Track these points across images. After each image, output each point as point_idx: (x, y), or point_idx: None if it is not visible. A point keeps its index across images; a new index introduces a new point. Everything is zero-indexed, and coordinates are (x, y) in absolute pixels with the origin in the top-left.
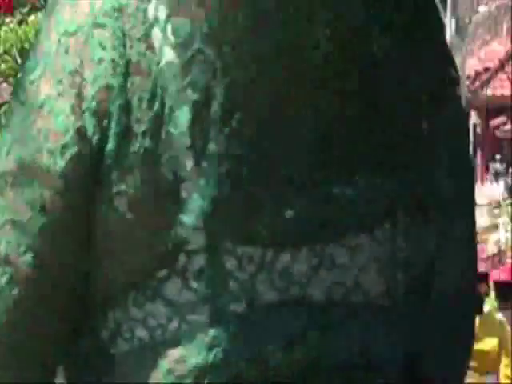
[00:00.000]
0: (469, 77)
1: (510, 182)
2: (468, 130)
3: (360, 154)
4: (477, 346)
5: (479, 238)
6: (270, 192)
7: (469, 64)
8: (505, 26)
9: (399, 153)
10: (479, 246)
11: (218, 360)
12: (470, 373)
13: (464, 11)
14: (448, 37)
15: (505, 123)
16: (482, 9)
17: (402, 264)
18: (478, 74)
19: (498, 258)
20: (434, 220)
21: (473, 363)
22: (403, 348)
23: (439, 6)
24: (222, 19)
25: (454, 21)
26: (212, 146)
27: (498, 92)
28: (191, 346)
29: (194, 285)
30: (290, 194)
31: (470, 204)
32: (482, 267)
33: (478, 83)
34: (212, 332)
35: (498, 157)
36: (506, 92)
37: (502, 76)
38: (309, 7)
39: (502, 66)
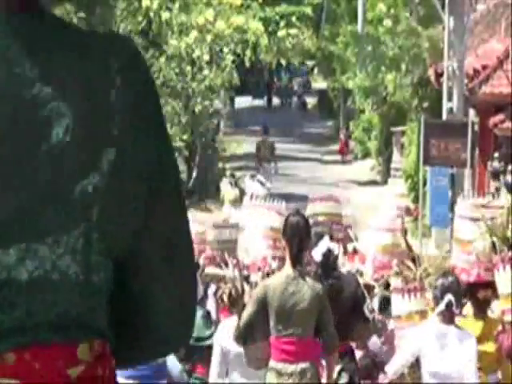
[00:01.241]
0: (467, 75)
1: (509, 180)
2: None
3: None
4: (481, 348)
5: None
6: None
7: (467, 62)
8: (503, 24)
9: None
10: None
11: None
12: None
13: (462, 9)
14: (446, 35)
15: (503, 121)
16: (481, 7)
17: (98, 251)
18: (476, 71)
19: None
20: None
21: (478, 364)
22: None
23: (437, 3)
24: None
25: (452, 19)
26: None
27: (497, 90)
28: None
29: None
30: None
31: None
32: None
33: (476, 81)
34: None
35: (496, 155)
36: (505, 90)
37: (500, 74)
38: None
39: (500, 64)
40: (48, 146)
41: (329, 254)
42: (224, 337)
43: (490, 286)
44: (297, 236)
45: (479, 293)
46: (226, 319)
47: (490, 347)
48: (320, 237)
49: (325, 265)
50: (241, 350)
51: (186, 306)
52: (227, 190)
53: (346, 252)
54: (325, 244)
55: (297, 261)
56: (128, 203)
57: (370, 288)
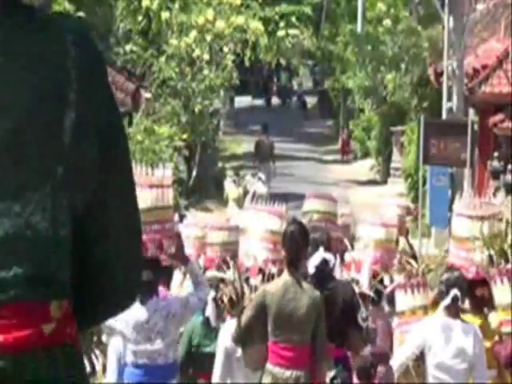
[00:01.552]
0: (467, 74)
1: (509, 179)
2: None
3: None
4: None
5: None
6: None
7: (467, 62)
8: (503, 24)
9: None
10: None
11: None
12: None
13: (462, 9)
14: (446, 34)
15: (503, 121)
16: (480, 7)
17: (63, 209)
18: (476, 71)
19: None
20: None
21: None
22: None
23: (437, 3)
24: None
25: (451, 18)
26: None
27: (496, 89)
28: None
29: None
30: None
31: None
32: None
33: (475, 81)
34: None
35: (496, 155)
36: (504, 89)
37: (500, 74)
38: None
39: (500, 64)
40: (16, 109)
41: (323, 266)
42: (228, 338)
43: (487, 284)
44: (294, 245)
45: (477, 290)
46: (231, 320)
47: (487, 343)
48: (316, 247)
49: (318, 276)
50: None
51: (137, 258)
52: (231, 189)
53: (343, 261)
54: (319, 256)
55: (294, 268)
56: (87, 162)
57: (365, 297)
